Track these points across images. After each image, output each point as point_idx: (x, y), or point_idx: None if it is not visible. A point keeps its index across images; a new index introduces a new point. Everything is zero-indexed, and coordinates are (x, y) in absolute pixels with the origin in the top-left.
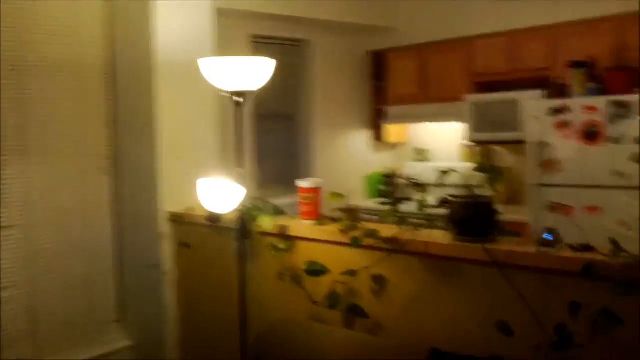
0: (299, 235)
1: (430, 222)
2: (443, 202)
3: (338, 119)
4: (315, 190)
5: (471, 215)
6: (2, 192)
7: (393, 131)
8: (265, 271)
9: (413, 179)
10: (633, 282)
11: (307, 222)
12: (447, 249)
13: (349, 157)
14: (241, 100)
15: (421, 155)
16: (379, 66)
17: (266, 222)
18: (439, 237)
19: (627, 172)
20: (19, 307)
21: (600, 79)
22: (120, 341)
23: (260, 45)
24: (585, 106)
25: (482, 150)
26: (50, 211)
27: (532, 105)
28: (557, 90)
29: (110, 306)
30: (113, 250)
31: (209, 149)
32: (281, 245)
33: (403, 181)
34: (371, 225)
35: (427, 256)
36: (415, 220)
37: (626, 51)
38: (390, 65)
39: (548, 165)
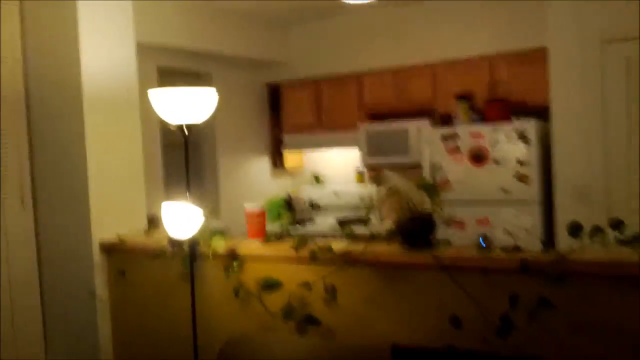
0: (251, 253)
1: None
2: (341, 223)
3: (239, 146)
4: (262, 213)
5: (417, 228)
6: None
7: (290, 158)
8: (216, 291)
9: (313, 201)
10: (562, 274)
11: (255, 242)
12: (399, 258)
13: (250, 183)
14: (187, 132)
15: (317, 179)
16: (275, 97)
17: (220, 244)
18: (387, 248)
19: (510, 189)
20: None
21: (480, 109)
22: None
23: (166, 77)
24: (471, 133)
25: (375, 174)
26: None
27: (427, 132)
28: (443, 119)
29: (37, 342)
30: (40, 282)
31: (137, 179)
32: (235, 263)
33: (302, 204)
34: (320, 242)
35: (378, 265)
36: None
37: (498, 85)
38: (285, 96)
39: (442, 184)
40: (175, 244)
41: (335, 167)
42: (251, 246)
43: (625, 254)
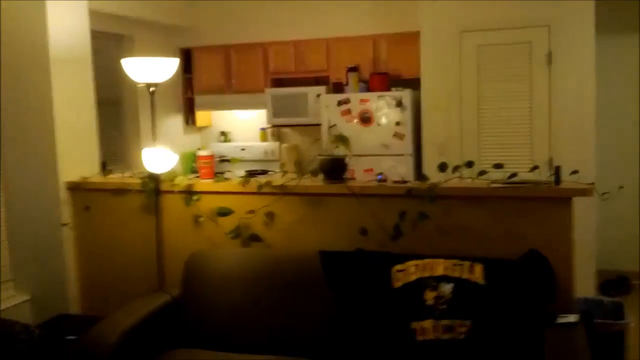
0: (207, 189)
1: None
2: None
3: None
4: (211, 157)
5: (335, 166)
6: None
7: (200, 116)
8: (177, 219)
9: (222, 155)
10: (434, 196)
11: (207, 181)
12: (322, 189)
13: (165, 138)
14: (154, 89)
15: (224, 136)
16: (188, 61)
17: (183, 181)
18: (313, 182)
19: (390, 144)
20: None
21: (365, 80)
22: (18, 296)
23: (96, 39)
24: (360, 100)
25: (275, 132)
26: None
27: (325, 98)
28: (335, 87)
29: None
30: (7, 218)
31: (91, 129)
32: (195, 197)
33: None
34: (260, 178)
35: (306, 195)
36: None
37: (379, 61)
38: (197, 60)
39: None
40: (152, 177)
41: (241, 126)
42: (205, 184)
43: (473, 183)
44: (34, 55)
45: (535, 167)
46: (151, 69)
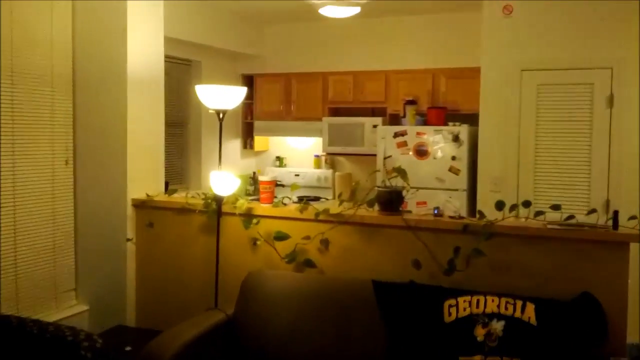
0: (265, 213)
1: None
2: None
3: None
4: (272, 183)
5: (392, 198)
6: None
7: (258, 141)
8: (236, 240)
9: (277, 180)
10: (491, 234)
11: (266, 205)
12: (377, 220)
13: (224, 162)
14: (223, 115)
15: (279, 161)
16: (249, 87)
17: (243, 205)
18: (369, 212)
19: (444, 178)
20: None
21: (423, 113)
22: (79, 306)
23: (167, 63)
24: (417, 132)
25: (329, 159)
26: (28, 195)
27: (381, 129)
28: (391, 118)
29: (70, 275)
30: (76, 229)
31: (159, 149)
32: (254, 220)
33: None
34: (317, 206)
35: (362, 224)
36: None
37: (438, 95)
38: (258, 87)
39: (390, 172)
40: (216, 199)
41: (296, 152)
42: (265, 208)
43: (530, 222)
44: (113, 77)
45: (592, 211)
46: (222, 96)
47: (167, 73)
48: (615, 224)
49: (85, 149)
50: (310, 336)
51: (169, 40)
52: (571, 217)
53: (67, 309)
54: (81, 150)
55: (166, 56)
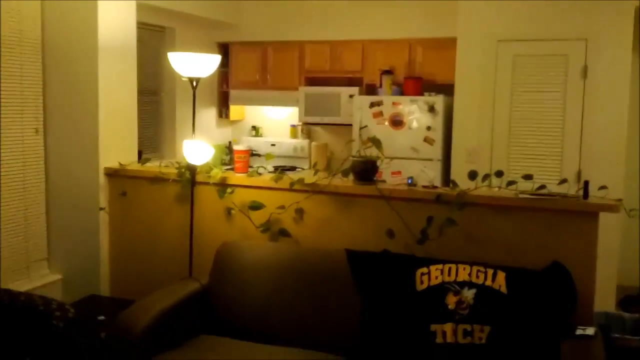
0: (240, 183)
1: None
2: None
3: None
4: (247, 152)
5: (366, 168)
6: None
7: (234, 110)
8: (210, 210)
9: (252, 149)
10: (463, 203)
11: (241, 175)
12: (352, 190)
13: (199, 131)
14: (196, 83)
15: (255, 131)
16: (225, 55)
17: (218, 174)
18: (343, 182)
19: (419, 149)
20: None
21: (399, 83)
22: (51, 275)
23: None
24: (393, 102)
25: (305, 129)
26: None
27: (358, 99)
28: (368, 88)
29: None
30: (47, 198)
31: (132, 118)
32: (228, 190)
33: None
34: (293, 175)
35: (336, 194)
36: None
37: (414, 65)
38: (234, 55)
39: (366, 142)
40: (189, 168)
41: (272, 122)
42: (239, 177)
43: (502, 192)
44: (83, 43)
45: (563, 180)
46: (195, 64)
47: (140, 40)
48: (586, 194)
49: (55, 117)
50: (285, 306)
51: (141, 6)
52: (542, 187)
53: (40, 279)
54: (51, 118)
55: (139, 23)
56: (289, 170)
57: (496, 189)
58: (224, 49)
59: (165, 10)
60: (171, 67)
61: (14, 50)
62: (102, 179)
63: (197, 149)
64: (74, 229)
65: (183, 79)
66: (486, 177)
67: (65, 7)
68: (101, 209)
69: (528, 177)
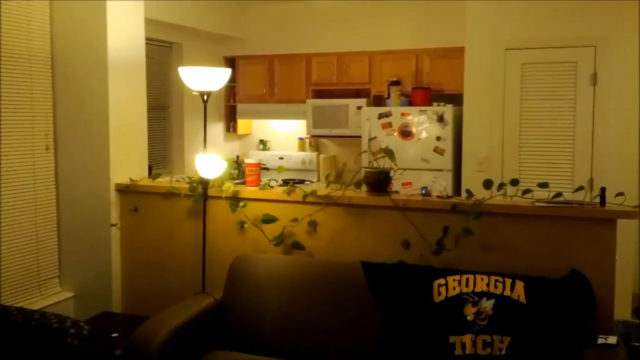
0: (253, 196)
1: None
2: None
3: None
4: (258, 165)
5: (380, 179)
6: None
7: (241, 124)
8: (223, 224)
9: (261, 163)
10: (479, 213)
11: (253, 188)
12: (365, 200)
13: (208, 145)
14: (207, 97)
15: (263, 144)
16: (232, 69)
17: (230, 188)
18: (357, 194)
19: (429, 159)
20: None
21: (407, 94)
22: (63, 293)
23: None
24: (402, 113)
25: (313, 142)
26: (9, 183)
27: (366, 110)
28: (376, 99)
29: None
30: (59, 215)
31: (142, 134)
32: (241, 203)
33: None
34: (305, 188)
35: (350, 206)
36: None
37: (422, 75)
38: (241, 69)
39: (376, 153)
40: (202, 183)
41: (280, 135)
42: (251, 191)
43: (518, 201)
44: (93, 59)
45: (580, 188)
46: (205, 78)
47: (148, 56)
48: (603, 201)
49: (66, 134)
50: (302, 319)
51: (149, 22)
52: (559, 194)
53: (52, 297)
54: (62, 136)
55: (146, 38)
56: (298, 183)
57: (511, 198)
58: (231, 63)
59: (173, 26)
60: (179, 82)
61: (24, 68)
62: (113, 195)
63: (209, 163)
64: (86, 245)
65: (194, 93)
66: (501, 185)
67: (75, 23)
68: (112, 225)
69: (544, 185)
